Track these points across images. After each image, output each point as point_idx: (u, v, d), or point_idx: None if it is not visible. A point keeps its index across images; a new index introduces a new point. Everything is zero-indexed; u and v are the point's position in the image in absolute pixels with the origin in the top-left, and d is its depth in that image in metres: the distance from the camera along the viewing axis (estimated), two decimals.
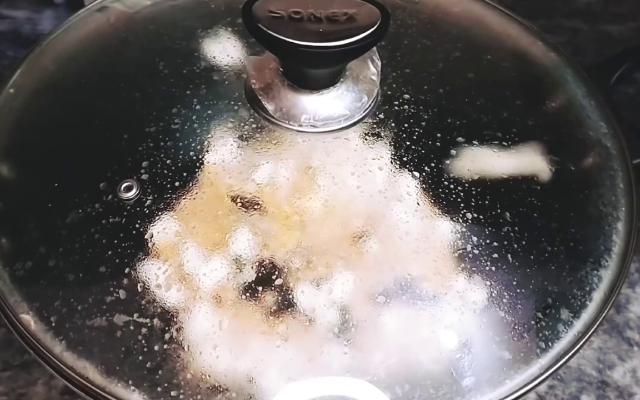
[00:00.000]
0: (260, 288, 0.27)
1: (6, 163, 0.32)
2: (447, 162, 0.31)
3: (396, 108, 0.32)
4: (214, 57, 0.34)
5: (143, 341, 0.26)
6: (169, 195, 0.29)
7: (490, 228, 0.30)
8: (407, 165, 0.30)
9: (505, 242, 0.29)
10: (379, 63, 0.32)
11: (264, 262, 0.28)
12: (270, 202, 0.29)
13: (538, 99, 0.36)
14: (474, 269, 0.29)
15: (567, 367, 0.36)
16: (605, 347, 0.37)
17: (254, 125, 0.31)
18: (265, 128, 0.31)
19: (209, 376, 0.26)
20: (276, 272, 0.28)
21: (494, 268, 0.29)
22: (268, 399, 0.26)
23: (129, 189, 0.29)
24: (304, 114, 0.31)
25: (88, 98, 0.33)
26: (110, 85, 0.33)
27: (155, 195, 0.29)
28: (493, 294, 0.28)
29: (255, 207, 0.29)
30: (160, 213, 0.29)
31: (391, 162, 0.31)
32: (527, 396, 0.28)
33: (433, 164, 0.31)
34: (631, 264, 0.32)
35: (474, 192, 0.30)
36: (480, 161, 0.31)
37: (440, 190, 0.30)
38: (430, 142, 0.31)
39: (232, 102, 0.32)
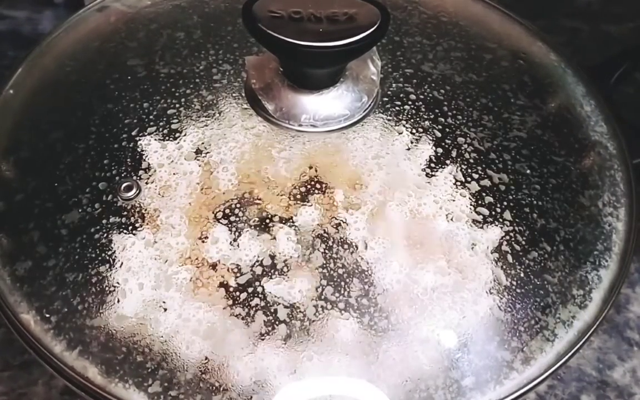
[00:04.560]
0: (260, 288, 0.27)
1: (6, 163, 0.32)
2: (447, 162, 0.31)
3: (396, 108, 0.32)
4: (214, 57, 0.34)
5: (143, 341, 0.26)
6: (169, 195, 0.29)
7: (490, 228, 0.30)
8: (407, 166, 0.30)
9: (505, 242, 0.29)
10: (379, 63, 0.32)
11: (264, 263, 0.28)
12: (270, 202, 0.29)
13: (538, 99, 0.36)
14: (473, 269, 0.29)
15: (567, 367, 0.36)
16: (605, 347, 0.37)
17: (254, 126, 0.31)
18: (265, 128, 0.31)
19: (209, 376, 0.26)
20: (277, 273, 0.28)
21: (494, 268, 0.29)
22: (268, 399, 0.26)
23: (128, 188, 0.29)
24: (304, 114, 0.31)
25: (88, 98, 0.33)
26: (110, 85, 0.33)
27: (156, 196, 0.29)
28: (493, 294, 0.28)
29: (255, 207, 0.29)
30: (160, 213, 0.29)
31: (391, 162, 0.30)
32: (527, 396, 0.28)
33: (433, 164, 0.31)
34: (631, 264, 0.31)
35: (474, 192, 0.30)
36: (480, 161, 0.31)
37: (440, 190, 0.30)
38: (430, 142, 0.31)
39: (232, 102, 0.32)
